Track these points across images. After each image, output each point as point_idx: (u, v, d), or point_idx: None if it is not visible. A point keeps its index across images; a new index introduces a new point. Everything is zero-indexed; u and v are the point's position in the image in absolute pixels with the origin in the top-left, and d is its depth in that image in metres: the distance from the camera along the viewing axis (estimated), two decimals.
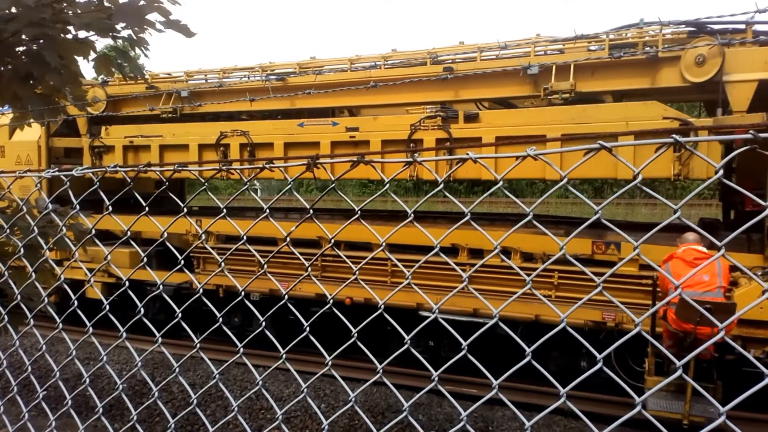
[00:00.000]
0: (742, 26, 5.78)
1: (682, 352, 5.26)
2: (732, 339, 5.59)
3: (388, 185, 1.53)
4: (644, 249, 5.82)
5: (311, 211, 1.65)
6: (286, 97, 7.15)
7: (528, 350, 1.37)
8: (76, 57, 2.88)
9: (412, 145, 6.79)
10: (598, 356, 1.30)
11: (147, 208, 1.91)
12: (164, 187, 1.80)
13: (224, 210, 1.74)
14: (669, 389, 5.30)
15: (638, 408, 1.22)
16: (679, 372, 1.21)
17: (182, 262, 1.83)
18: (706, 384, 5.24)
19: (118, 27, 2.70)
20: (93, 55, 2.88)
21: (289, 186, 1.63)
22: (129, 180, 1.90)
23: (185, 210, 1.82)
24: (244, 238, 1.76)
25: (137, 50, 2.98)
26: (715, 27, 5.91)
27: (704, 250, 5.12)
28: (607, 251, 6.03)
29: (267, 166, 1.68)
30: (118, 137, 8.42)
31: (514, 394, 6.25)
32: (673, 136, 1.18)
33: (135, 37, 2.73)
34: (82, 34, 2.89)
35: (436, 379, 1.47)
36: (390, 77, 6.93)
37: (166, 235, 1.94)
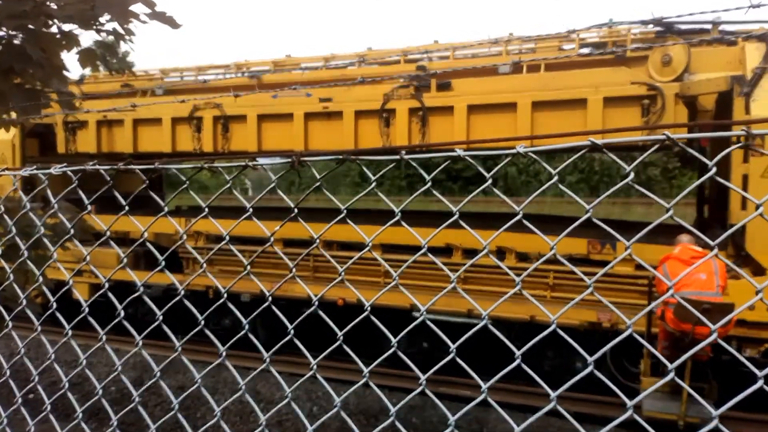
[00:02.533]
0: (709, 26, 5.91)
1: (678, 353, 5.22)
2: (727, 339, 5.56)
3: (374, 184, 1.47)
4: (640, 249, 5.80)
5: (296, 210, 1.59)
6: (262, 94, 7.14)
7: (517, 353, 1.32)
8: (59, 50, 2.81)
9: (385, 115, 6.77)
10: (589, 359, 1.25)
11: (127, 208, 1.85)
12: (144, 185, 1.74)
13: (206, 210, 1.68)
14: (665, 390, 5.26)
15: (629, 412, 1.17)
16: (672, 375, 1.16)
17: (163, 263, 1.76)
18: (701, 384, 5.21)
19: (103, 20, 2.64)
20: (77, 48, 2.81)
21: (273, 185, 1.57)
22: (109, 179, 1.84)
23: (166, 210, 1.76)
24: (227, 238, 1.70)
25: (124, 45, 2.93)
26: (683, 27, 6.04)
27: (700, 249, 5.08)
28: (603, 251, 5.98)
29: (250, 164, 1.62)
30: (91, 112, 8.32)
31: (509, 396, 6.21)
32: (665, 132, 1.12)
33: (121, 30, 2.67)
34: (65, 27, 2.82)
35: (424, 382, 1.41)
36: (364, 75, 6.90)
37: (146, 235, 1.88)
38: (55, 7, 2.71)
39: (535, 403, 6.06)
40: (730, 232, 1.42)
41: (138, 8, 2.62)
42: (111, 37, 2.78)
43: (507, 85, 6.37)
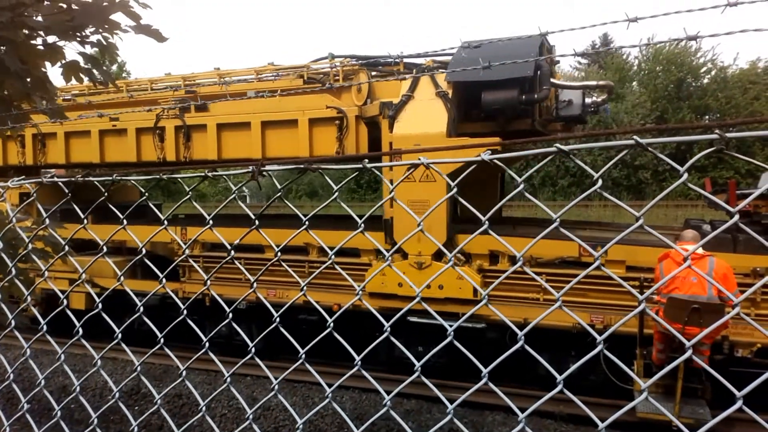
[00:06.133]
0: (398, 61, 7.07)
1: (671, 354, 5.25)
2: (720, 339, 5.60)
3: (336, 194, 1.51)
4: (632, 252, 5.85)
5: (257, 222, 1.69)
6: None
7: (484, 371, 1.38)
8: (43, 63, 2.80)
9: (158, 131, 8.06)
10: (559, 378, 1.29)
11: (125, 222, 1.88)
12: (143, 198, 1.77)
13: (210, 222, 1.73)
14: (658, 391, 5.30)
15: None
16: (645, 395, 1.19)
17: (163, 279, 1.80)
18: (695, 385, 5.24)
19: (87, 32, 2.63)
20: (62, 61, 2.79)
21: (233, 195, 1.64)
22: (104, 190, 1.86)
23: (165, 223, 1.79)
24: (232, 252, 1.75)
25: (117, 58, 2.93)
26: (383, 61, 7.29)
27: (698, 250, 5.03)
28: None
29: (209, 174, 1.68)
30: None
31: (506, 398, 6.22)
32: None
33: (105, 43, 2.66)
34: (50, 39, 2.80)
35: (389, 403, 1.47)
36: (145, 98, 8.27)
37: (141, 246, 1.92)
38: (39, 19, 2.68)
39: (531, 405, 6.07)
40: (715, 233, 1.46)
41: (122, 19, 2.62)
42: (95, 50, 2.76)
43: (246, 107, 7.55)
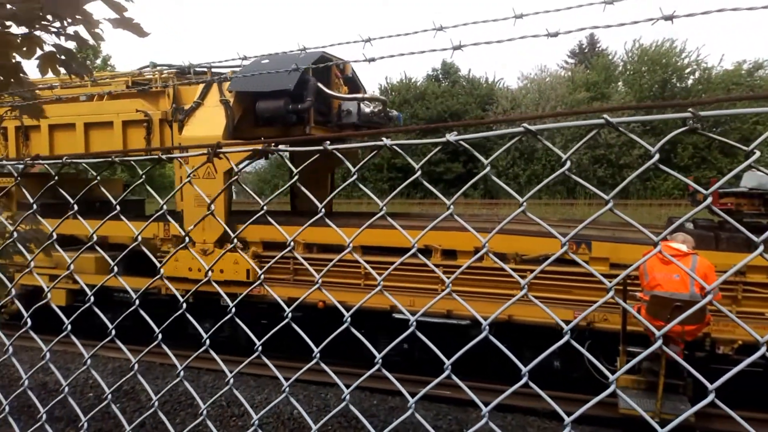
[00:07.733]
0: (205, 69, 7.89)
1: (655, 351, 5.29)
2: (702, 336, 5.66)
3: (228, 179, 1.49)
4: (614, 249, 5.89)
5: (212, 206, 1.67)
6: None
7: (447, 363, 1.37)
8: (11, 52, 2.68)
9: (1, 131, 8.86)
10: (524, 369, 1.29)
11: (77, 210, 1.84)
12: (96, 179, 1.74)
13: (164, 208, 1.71)
14: (640, 387, 5.34)
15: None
16: (612, 387, 1.18)
17: (115, 268, 1.77)
18: (676, 381, 5.29)
19: (65, 23, 2.53)
20: (39, 52, 2.68)
21: (189, 179, 1.62)
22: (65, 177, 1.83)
23: (118, 208, 1.76)
24: (186, 238, 1.72)
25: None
26: (198, 69, 8.04)
27: (682, 248, 5.07)
28: (578, 250, 6.05)
29: (163, 156, 1.67)
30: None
31: (489, 395, 6.23)
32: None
33: (84, 35, 2.57)
34: (21, 29, 2.70)
35: (347, 397, 1.43)
36: None
37: (94, 237, 1.88)
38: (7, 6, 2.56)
39: (514, 402, 6.10)
40: (672, 227, 1.46)
41: (104, 11, 2.52)
42: (73, 42, 2.66)
43: (73, 110, 8.39)
